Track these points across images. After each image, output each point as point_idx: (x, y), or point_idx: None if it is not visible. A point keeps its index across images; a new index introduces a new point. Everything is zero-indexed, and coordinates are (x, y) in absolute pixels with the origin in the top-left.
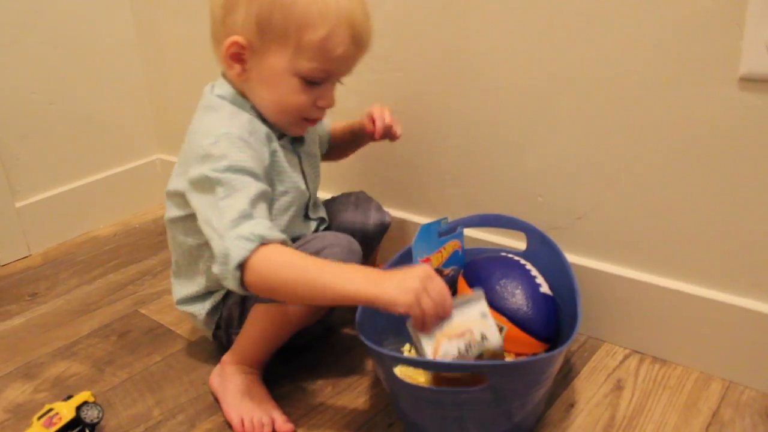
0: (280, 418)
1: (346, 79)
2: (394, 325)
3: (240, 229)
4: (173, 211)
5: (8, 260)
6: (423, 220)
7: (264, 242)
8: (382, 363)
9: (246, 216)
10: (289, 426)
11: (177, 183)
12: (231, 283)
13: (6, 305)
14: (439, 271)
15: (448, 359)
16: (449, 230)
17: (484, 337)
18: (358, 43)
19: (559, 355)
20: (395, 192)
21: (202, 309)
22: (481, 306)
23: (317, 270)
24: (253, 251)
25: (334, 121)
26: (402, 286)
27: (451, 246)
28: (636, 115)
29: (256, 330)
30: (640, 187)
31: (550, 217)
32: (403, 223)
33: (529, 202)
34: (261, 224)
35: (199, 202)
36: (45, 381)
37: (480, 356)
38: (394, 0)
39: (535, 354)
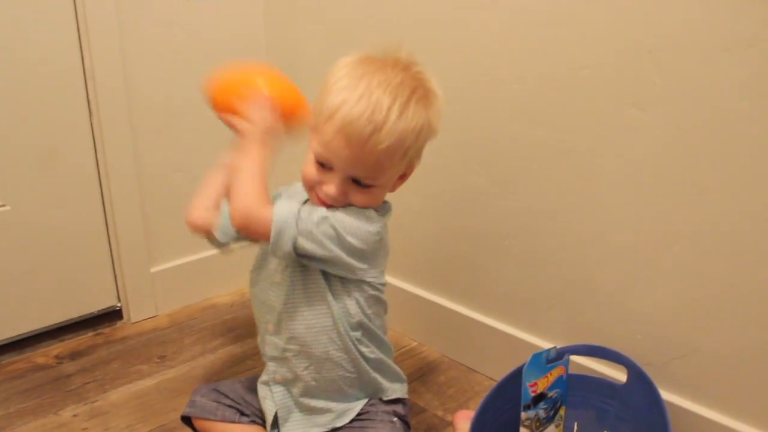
0: None
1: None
2: None
3: None
4: None
5: (138, 318)
6: (527, 337)
7: None
8: None
9: None
10: None
11: None
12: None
13: (138, 364)
14: (543, 394)
15: None
16: (557, 357)
17: None
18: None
19: None
20: (505, 306)
21: None
22: None
23: None
24: None
25: None
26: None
27: (557, 371)
28: (749, 273)
29: None
30: (745, 336)
31: (647, 354)
32: (509, 337)
33: (629, 338)
34: None
35: None
36: None
37: None
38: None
39: None
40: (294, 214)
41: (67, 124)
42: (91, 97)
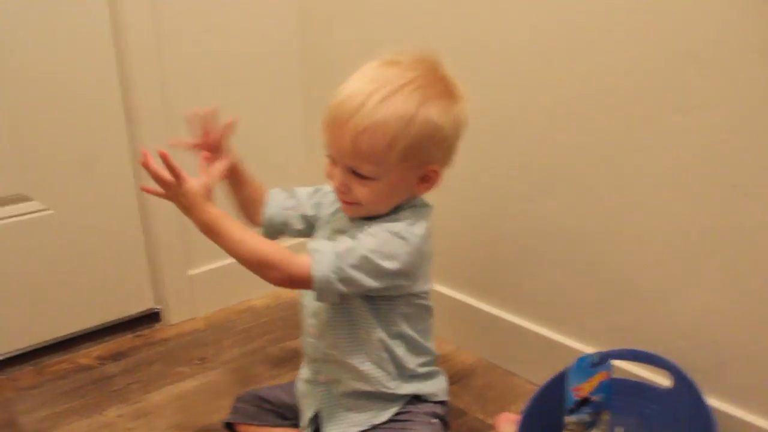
0: None
1: None
2: None
3: None
4: None
5: (176, 320)
6: (567, 341)
7: None
8: None
9: None
10: None
11: None
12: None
13: (179, 366)
14: (587, 399)
15: None
16: (601, 361)
17: None
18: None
19: None
20: (544, 310)
21: None
22: None
23: None
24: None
25: None
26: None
27: (600, 376)
28: None
29: None
30: None
31: (690, 359)
32: (548, 341)
33: (671, 342)
34: None
35: None
36: None
37: None
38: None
39: None
40: (332, 264)
41: (107, 131)
42: (128, 104)
